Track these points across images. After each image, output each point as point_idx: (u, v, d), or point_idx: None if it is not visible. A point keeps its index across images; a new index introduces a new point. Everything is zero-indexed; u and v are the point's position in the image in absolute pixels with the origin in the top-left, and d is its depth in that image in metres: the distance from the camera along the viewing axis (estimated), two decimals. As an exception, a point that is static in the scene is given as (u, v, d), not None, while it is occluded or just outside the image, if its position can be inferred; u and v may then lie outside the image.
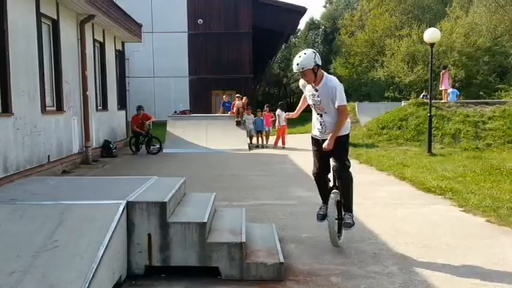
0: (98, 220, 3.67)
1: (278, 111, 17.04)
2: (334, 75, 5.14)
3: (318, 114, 4.97)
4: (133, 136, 15.18)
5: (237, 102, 17.42)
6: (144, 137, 14.97)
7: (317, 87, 4.84)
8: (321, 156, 4.98)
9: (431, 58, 14.51)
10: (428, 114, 14.10)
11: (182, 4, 29.15)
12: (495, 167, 10.49)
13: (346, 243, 5.18)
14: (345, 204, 4.98)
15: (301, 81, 5.07)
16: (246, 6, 29.11)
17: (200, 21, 29.24)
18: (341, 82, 4.96)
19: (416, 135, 15.82)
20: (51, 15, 10.54)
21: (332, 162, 4.97)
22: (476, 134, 15.69)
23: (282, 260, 4.15)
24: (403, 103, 20.64)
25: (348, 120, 4.97)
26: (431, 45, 14.04)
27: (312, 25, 53.15)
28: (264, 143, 16.95)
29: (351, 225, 4.88)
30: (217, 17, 29.33)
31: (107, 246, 3.41)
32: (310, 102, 5.00)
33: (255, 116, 17.27)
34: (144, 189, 4.53)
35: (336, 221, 4.99)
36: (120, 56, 17.19)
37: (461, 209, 6.87)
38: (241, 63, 29.19)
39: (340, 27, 41.96)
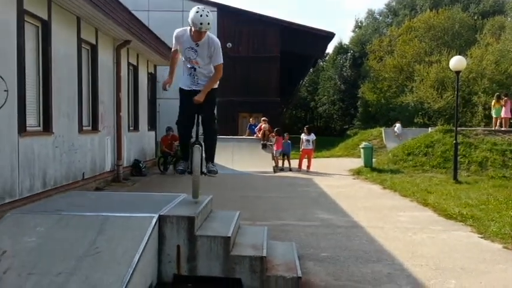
0: (133, 231, 4.06)
1: (303, 135, 17.33)
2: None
3: (191, 67, 5.18)
4: (162, 156, 15.74)
5: (264, 126, 17.79)
6: (172, 157, 15.48)
7: (198, 42, 5.02)
8: (190, 108, 5.19)
9: (457, 85, 14.65)
10: (454, 142, 14.14)
11: (212, 28, 29.85)
12: (520, 195, 10.48)
13: (363, 262, 5.43)
14: (211, 155, 5.42)
15: (178, 33, 5.15)
16: (275, 31, 29.71)
17: (229, 45, 29.91)
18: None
19: (443, 162, 15.78)
20: (90, 41, 11.23)
21: (201, 113, 5.25)
22: (504, 162, 15.56)
23: (300, 274, 4.43)
24: (430, 129, 20.65)
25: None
26: (457, 73, 14.20)
27: (341, 49, 53.63)
28: (286, 165, 17.05)
29: (216, 171, 5.37)
30: (246, 41, 29.96)
31: (141, 254, 3.78)
32: (185, 55, 5.13)
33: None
34: (174, 205, 4.91)
35: (202, 174, 5.31)
36: (152, 78, 17.91)
37: (480, 235, 6.99)
38: (269, 87, 29.63)
39: (368, 52, 42.24)
